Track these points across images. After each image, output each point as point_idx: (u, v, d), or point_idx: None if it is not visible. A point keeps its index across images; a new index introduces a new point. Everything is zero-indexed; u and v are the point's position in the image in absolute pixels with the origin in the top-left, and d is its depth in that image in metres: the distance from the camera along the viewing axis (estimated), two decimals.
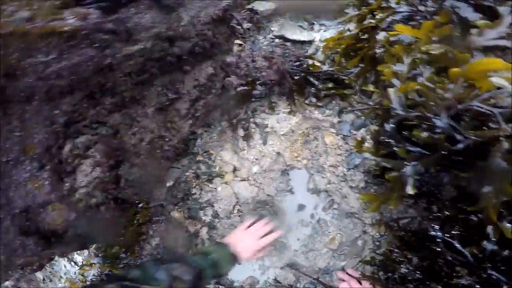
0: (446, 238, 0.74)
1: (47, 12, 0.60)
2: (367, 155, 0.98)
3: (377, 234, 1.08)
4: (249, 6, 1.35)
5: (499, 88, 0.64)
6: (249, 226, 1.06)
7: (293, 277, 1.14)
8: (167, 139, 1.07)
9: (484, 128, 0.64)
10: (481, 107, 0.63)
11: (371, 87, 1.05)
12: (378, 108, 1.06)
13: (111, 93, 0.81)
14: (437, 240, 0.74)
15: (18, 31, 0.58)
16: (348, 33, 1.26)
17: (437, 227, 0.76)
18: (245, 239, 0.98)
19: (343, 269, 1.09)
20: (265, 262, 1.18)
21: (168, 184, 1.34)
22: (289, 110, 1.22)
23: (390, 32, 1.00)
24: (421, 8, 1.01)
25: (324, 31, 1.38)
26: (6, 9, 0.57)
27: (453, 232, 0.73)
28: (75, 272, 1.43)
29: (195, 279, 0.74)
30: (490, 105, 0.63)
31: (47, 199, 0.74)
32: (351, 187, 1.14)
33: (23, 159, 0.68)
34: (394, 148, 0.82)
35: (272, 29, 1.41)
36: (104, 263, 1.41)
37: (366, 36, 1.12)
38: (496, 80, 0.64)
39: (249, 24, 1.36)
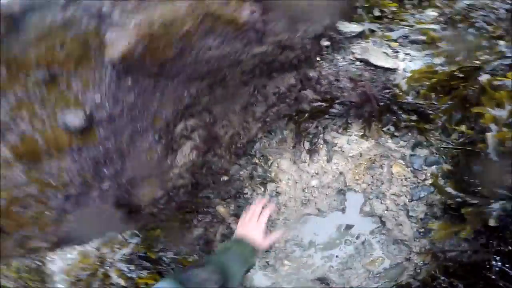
0: (504, 267, 0.74)
1: (237, 1, 0.67)
2: (434, 189, 1.03)
3: (421, 262, 1.07)
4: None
5: None
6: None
7: None
8: (241, 137, 1.14)
9: None
10: None
11: (463, 128, 1.03)
12: (463, 149, 1.04)
13: (223, 85, 0.89)
14: (491, 269, 0.79)
15: (217, 13, 0.66)
16: (440, 68, 1.26)
17: (497, 258, 0.81)
18: (251, 229, 0.97)
19: None
20: (297, 274, 1.18)
21: (222, 179, 1.40)
22: (362, 133, 1.22)
23: (498, 78, 0.99)
24: None
25: (410, 61, 1.39)
26: None
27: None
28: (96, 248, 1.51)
29: (223, 277, 0.73)
30: None
31: (150, 173, 0.81)
32: (409, 216, 1.14)
33: (150, 129, 0.76)
34: (478, 188, 0.86)
35: (353, 51, 1.45)
36: (140, 244, 1.49)
37: (462, 75, 1.11)
38: None
39: (328, 42, 1.42)
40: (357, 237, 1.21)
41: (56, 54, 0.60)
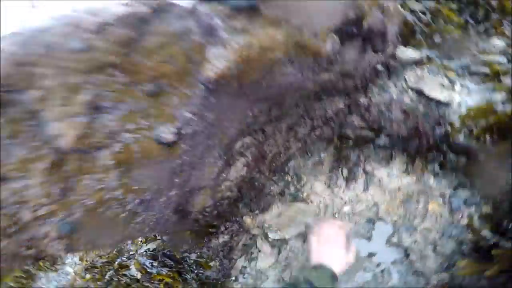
0: None
1: (326, 31, 0.69)
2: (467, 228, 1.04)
3: None
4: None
5: None
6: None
7: None
8: (281, 155, 1.17)
9: None
10: None
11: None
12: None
13: (278, 107, 0.92)
14: None
15: (304, 43, 0.69)
16: (500, 107, 1.18)
17: None
18: (327, 250, 0.87)
19: None
20: None
21: (262, 193, 1.45)
22: (405, 169, 1.20)
23: None
24: None
25: (467, 94, 1.32)
26: None
27: None
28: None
29: None
30: None
31: (206, 184, 0.87)
32: (435, 251, 1.14)
33: (217, 145, 0.80)
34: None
35: (406, 78, 1.41)
36: (165, 242, 1.57)
37: None
38: None
39: (382, 67, 1.39)
40: (378, 265, 1.22)
41: (167, 67, 0.63)
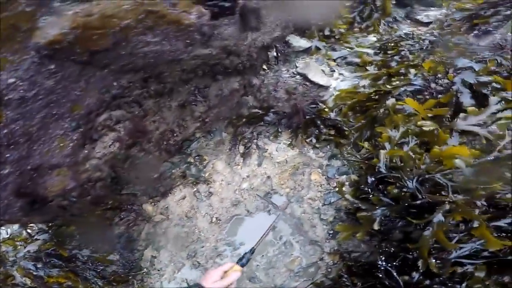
0: (387, 268, 1.06)
1: (187, 4, 0.78)
2: (340, 195, 1.33)
3: (331, 262, 1.37)
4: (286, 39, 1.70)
5: (457, 168, 1.01)
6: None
7: None
8: (175, 134, 1.28)
9: (438, 193, 1.02)
10: (441, 179, 1.03)
11: (365, 144, 1.38)
12: (364, 162, 1.41)
13: (158, 81, 0.96)
14: (380, 269, 1.07)
15: (160, 12, 0.74)
16: (362, 90, 1.63)
17: (383, 258, 1.10)
18: (211, 280, 1.01)
19: None
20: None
21: (151, 176, 1.54)
22: (289, 142, 1.50)
23: (399, 102, 1.36)
24: (433, 85, 1.40)
25: (342, 80, 1.74)
26: None
27: (394, 263, 1.07)
28: None
29: None
30: (447, 179, 1.02)
31: (61, 162, 0.84)
32: (321, 219, 1.45)
33: (67, 115, 0.78)
34: (370, 196, 1.19)
35: (297, 64, 1.76)
36: (50, 241, 1.51)
37: (377, 97, 1.48)
38: (458, 162, 1.02)
39: (275, 53, 1.70)
40: (280, 238, 1.47)
41: None
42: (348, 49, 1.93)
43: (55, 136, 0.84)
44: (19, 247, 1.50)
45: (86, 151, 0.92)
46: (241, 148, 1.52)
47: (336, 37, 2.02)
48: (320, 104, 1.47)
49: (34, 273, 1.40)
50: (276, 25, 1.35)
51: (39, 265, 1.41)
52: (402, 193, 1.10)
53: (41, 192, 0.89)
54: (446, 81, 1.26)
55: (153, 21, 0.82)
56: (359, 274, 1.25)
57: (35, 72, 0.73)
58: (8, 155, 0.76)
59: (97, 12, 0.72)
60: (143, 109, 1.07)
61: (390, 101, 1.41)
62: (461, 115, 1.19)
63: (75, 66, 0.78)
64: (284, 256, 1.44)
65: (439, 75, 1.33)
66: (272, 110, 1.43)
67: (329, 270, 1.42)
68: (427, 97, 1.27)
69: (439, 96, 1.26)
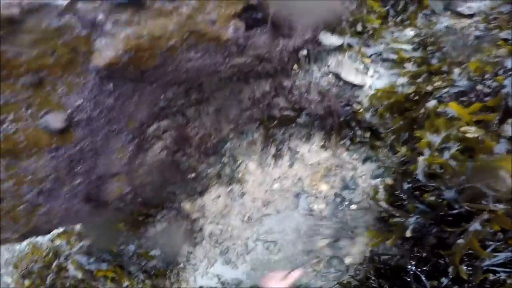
0: (416, 272, 1.07)
1: (225, 18, 0.85)
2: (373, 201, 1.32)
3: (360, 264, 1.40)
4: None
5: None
6: None
7: None
8: (212, 137, 1.38)
9: (477, 201, 1.00)
10: (483, 188, 1.00)
11: (403, 149, 1.35)
12: (400, 168, 1.37)
13: (198, 90, 1.08)
14: (409, 273, 1.08)
15: (202, 31, 0.83)
16: (400, 89, 1.57)
17: (413, 262, 1.11)
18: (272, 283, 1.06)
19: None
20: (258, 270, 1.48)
21: (190, 176, 1.65)
22: (322, 144, 1.53)
23: (442, 105, 1.29)
24: (479, 87, 1.31)
25: (377, 78, 1.70)
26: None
27: (424, 268, 1.07)
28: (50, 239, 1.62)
29: None
30: (490, 188, 0.99)
31: (119, 170, 0.98)
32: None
33: (124, 130, 0.92)
34: (405, 203, 1.18)
35: (328, 63, 1.74)
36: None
37: (416, 97, 1.42)
38: (502, 173, 0.97)
39: (306, 52, 1.70)
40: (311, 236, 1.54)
41: (47, 59, 0.74)
42: (383, 45, 1.87)
43: (115, 148, 0.95)
44: (74, 241, 1.66)
45: (139, 160, 1.03)
46: (273, 150, 1.56)
47: (370, 32, 1.95)
48: (355, 105, 1.46)
49: (86, 267, 1.56)
50: (307, 28, 1.35)
51: (91, 260, 1.57)
52: (439, 201, 1.07)
53: (103, 197, 1.02)
54: (494, 83, 1.18)
55: (196, 40, 0.89)
56: (387, 277, 1.26)
57: (98, 92, 0.83)
58: (79, 168, 0.89)
59: (146, 34, 0.80)
60: (186, 117, 1.16)
61: (431, 103, 1.34)
62: (510, 120, 1.12)
63: (129, 83, 0.88)
64: (309, 248, 1.51)
65: (487, 76, 1.24)
66: (305, 111, 1.45)
67: (358, 272, 1.42)
68: (473, 99, 1.20)
69: (485, 99, 1.19)
